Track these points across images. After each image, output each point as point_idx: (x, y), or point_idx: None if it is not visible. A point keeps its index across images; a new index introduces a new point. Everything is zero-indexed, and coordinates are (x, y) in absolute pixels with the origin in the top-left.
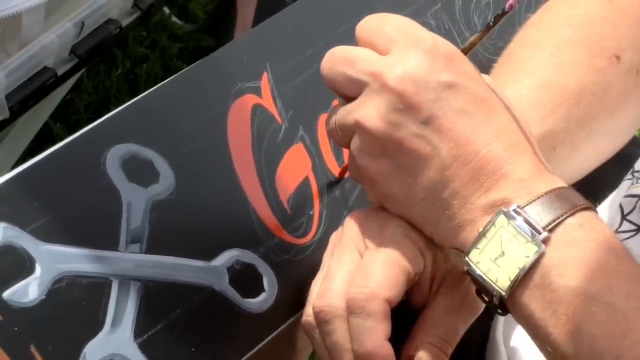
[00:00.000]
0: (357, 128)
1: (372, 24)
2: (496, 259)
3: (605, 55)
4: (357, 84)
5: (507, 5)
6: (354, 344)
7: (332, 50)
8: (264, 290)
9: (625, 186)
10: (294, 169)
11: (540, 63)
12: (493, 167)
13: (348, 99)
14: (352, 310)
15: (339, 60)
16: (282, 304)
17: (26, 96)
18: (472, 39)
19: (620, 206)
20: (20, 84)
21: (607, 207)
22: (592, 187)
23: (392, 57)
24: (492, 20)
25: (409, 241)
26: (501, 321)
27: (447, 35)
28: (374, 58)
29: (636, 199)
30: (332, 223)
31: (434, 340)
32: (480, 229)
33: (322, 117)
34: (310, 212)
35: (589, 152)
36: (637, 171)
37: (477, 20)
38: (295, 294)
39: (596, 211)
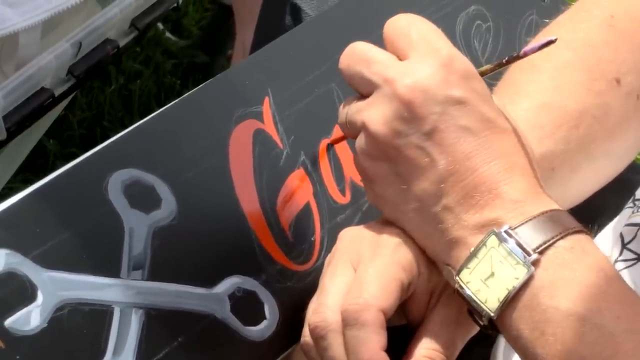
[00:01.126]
0: (362, 129)
1: (401, 24)
2: (486, 280)
3: (605, 78)
4: (370, 85)
5: (522, 52)
6: (350, 357)
7: (353, 45)
8: (265, 318)
9: (626, 214)
10: (296, 194)
11: (539, 85)
12: (488, 186)
13: (362, 95)
14: (346, 322)
15: (357, 57)
16: (283, 332)
17: (23, 117)
18: (482, 68)
19: (621, 235)
20: (17, 105)
21: (608, 235)
22: (592, 214)
23: (408, 64)
24: (506, 59)
25: (403, 250)
26: (501, 348)
27: None
28: (390, 62)
29: (637, 227)
30: None
31: (432, 353)
32: (472, 249)
33: (324, 142)
34: (312, 239)
35: (588, 174)
36: (638, 199)
37: (478, 45)
38: (296, 321)
39: (589, 234)
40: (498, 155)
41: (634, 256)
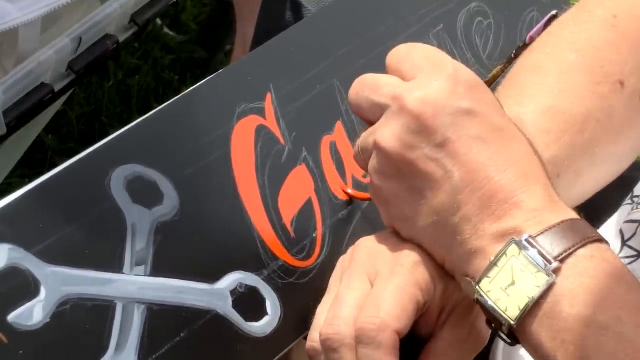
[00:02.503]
0: (374, 148)
1: (401, 52)
2: (506, 288)
3: (609, 80)
4: (379, 108)
5: (527, 38)
6: None
7: (361, 76)
8: (266, 314)
9: (625, 211)
10: (297, 190)
11: (544, 88)
12: (505, 195)
13: (371, 124)
14: (361, 340)
15: (365, 86)
16: (284, 328)
17: (23, 112)
18: (494, 71)
19: (621, 231)
20: (17, 100)
21: (607, 232)
22: (591, 210)
23: (415, 82)
24: (514, 52)
25: (421, 269)
26: (500, 348)
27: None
28: (396, 82)
29: (636, 224)
30: (335, 245)
31: None
32: (492, 258)
33: (326, 138)
34: (314, 235)
35: (591, 177)
36: (637, 196)
37: (479, 41)
38: (298, 317)
39: (607, 242)
40: (512, 163)
41: (634, 252)
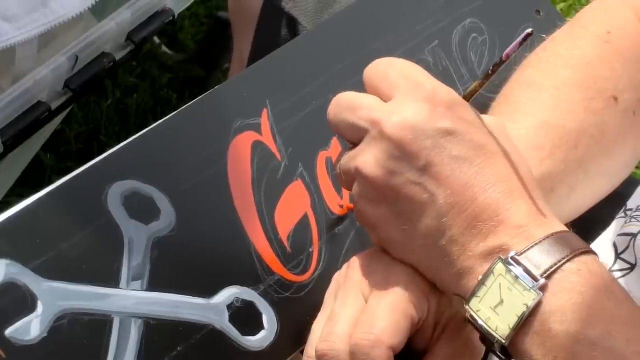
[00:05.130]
0: (356, 174)
1: (379, 69)
2: (495, 307)
3: (602, 96)
4: (358, 130)
5: (503, 55)
6: None
7: (339, 95)
8: (263, 328)
9: (618, 224)
10: (293, 205)
11: (539, 104)
12: (490, 213)
13: (352, 143)
14: (355, 355)
15: (343, 106)
16: (281, 342)
17: (20, 130)
18: (471, 86)
19: (614, 245)
20: (13, 119)
21: (601, 245)
22: (584, 224)
23: (392, 104)
24: (490, 69)
25: (414, 286)
26: None
27: (444, 72)
28: (375, 105)
29: (629, 237)
30: (331, 260)
31: None
32: (480, 277)
33: (322, 154)
34: (310, 249)
35: (585, 192)
36: (630, 209)
37: (474, 57)
38: (294, 331)
39: (595, 254)
40: (495, 181)
41: (627, 265)
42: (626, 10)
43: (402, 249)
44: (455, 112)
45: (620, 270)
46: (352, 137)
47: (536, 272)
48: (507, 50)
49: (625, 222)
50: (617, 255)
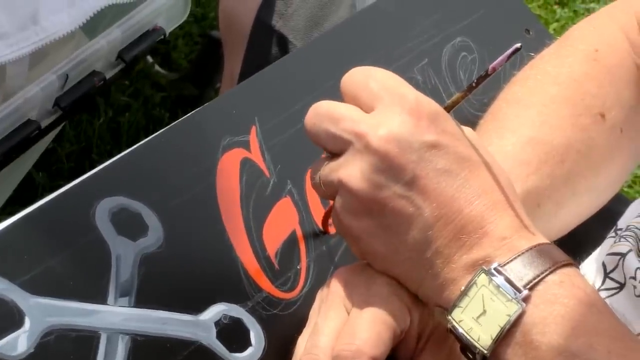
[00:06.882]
0: (340, 187)
1: (358, 78)
2: (478, 317)
3: (590, 113)
4: (340, 142)
5: (490, 68)
6: None
7: (316, 105)
8: (251, 345)
9: (608, 244)
10: (282, 223)
11: (526, 121)
12: (475, 225)
13: (332, 154)
14: None
15: (323, 116)
16: (268, 359)
17: (10, 148)
18: (454, 97)
19: (603, 264)
20: (3, 137)
21: (590, 265)
22: (575, 243)
23: (376, 116)
24: (475, 81)
25: (395, 298)
26: None
27: (433, 90)
28: (357, 117)
29: (619, 257)
30: (319, 277)
31: None
32: (463, 288)
33: (310, 172)
34: (298, 267)
35: (572, 208)
36: (620, 229)
37: (463, 75)
38: (282, 348)
39: (577, 267)
40: (480, 193)
41: (616, 285)
42: (614, 28)
43: (385, 261)
44: (439, 125)
45: (609, 289)
46: (333, 148)
47: (519, 284)
48: (493, 64)
49: (615, 242)
50: (606, 275)
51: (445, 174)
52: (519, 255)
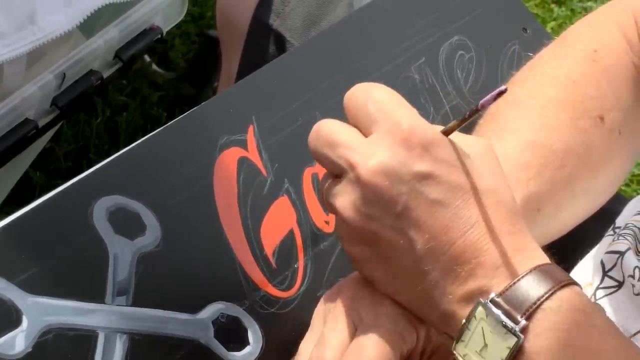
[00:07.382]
0: (336, 214)
1: (358, 99)
2: (481, 351)
3: (589, 116)
4: (338, 168)
5: (479, 104)
6: None
7: (319, 125)
8: (248, 344)
9: (606, 242)
10: (279, 222)
11: (526, 123)
12: (468, 256)
13: (333, 174)
14: None
15: (322, 139)
16: (266, 358)
17: (7, 148)
18: (449, 125)
19: (602, 262)
20: (0, 136)
21: (589, 263)
22: (573, 242)
23: (370, 145)
24: (467, 114)
25: (403, 318)
26: None
27: (430, 89)
28: (353, 144)
29: (617, 255)
30: (317, 276)
31: None
32: (463, 321)
33: (308, 171)
34: (295, 266)
35: (572, 211)
36: (618, 227)
37: (461, 74)
38: (279, 347)
39: (577, 284)
40: (473, 222)
41: (614, 283)
42: (611, 27)
43: (385, 287)
44: (432, 153)
45: (608, 288)
46: (333, 171)
47: (516, 314)
48: (482, 101)
49: (614, 240)
50: (605, 273)
51: (438, 205)
52: (514, 283)
